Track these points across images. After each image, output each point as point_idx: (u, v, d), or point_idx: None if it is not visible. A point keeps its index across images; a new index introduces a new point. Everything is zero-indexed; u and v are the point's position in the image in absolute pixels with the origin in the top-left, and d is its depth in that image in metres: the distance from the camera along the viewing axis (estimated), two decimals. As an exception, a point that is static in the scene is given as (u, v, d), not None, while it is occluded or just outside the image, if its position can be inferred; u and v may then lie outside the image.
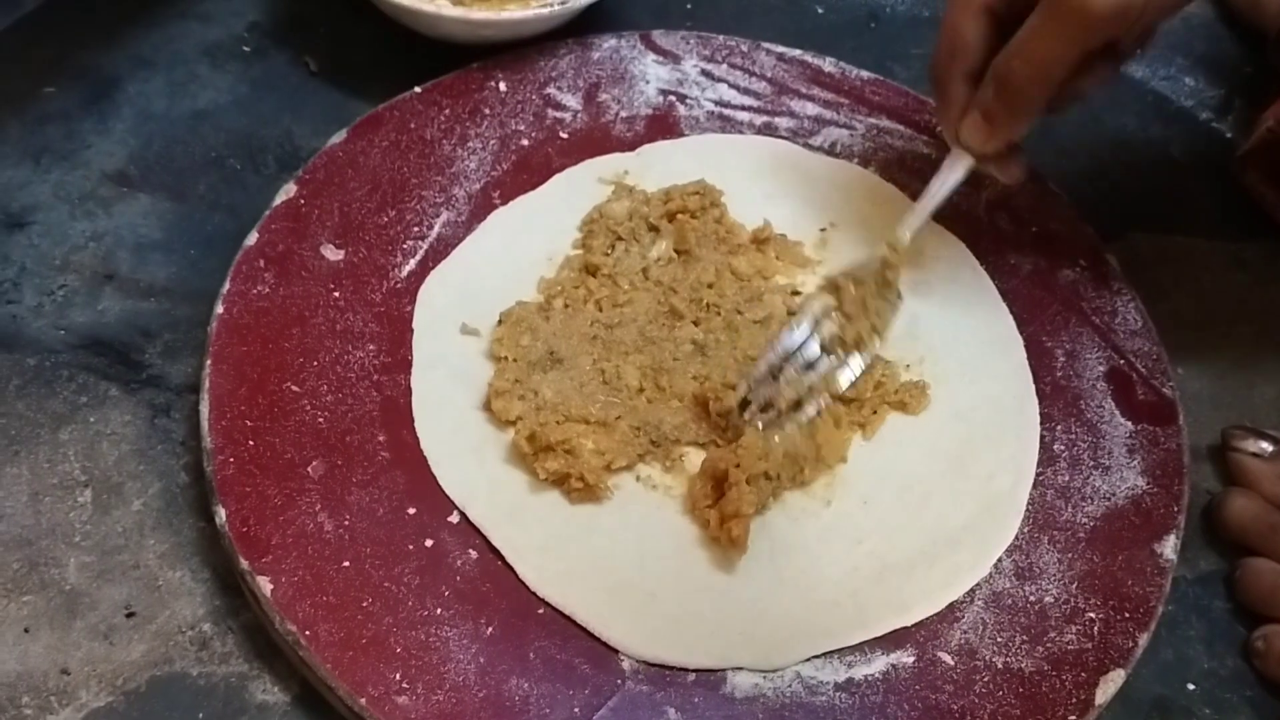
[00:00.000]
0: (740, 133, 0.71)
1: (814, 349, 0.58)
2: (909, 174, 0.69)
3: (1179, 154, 0.77)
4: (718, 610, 0.53)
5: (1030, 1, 0.53)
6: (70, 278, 0.62)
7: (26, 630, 0.52)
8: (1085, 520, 0.57)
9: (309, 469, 0.54)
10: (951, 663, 0.53)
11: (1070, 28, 0.52)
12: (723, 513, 0.54)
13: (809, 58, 0.74)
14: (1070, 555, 0.56)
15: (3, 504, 0.55)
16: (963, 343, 0.63)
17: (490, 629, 0.51)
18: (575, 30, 0.73)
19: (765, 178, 0.68)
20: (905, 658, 0.53)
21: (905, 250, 0.61)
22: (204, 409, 0.55)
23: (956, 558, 0.55)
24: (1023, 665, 0.53)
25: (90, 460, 0.57)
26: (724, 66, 0.73)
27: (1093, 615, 0.54)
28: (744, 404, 0.57)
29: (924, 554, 0.55)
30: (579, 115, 0.70)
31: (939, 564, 0.55)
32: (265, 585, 0.51)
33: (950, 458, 0.59)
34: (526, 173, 0.67)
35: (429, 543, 0.53)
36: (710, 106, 0.71)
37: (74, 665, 0.51)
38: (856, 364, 0.58)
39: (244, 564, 0.51)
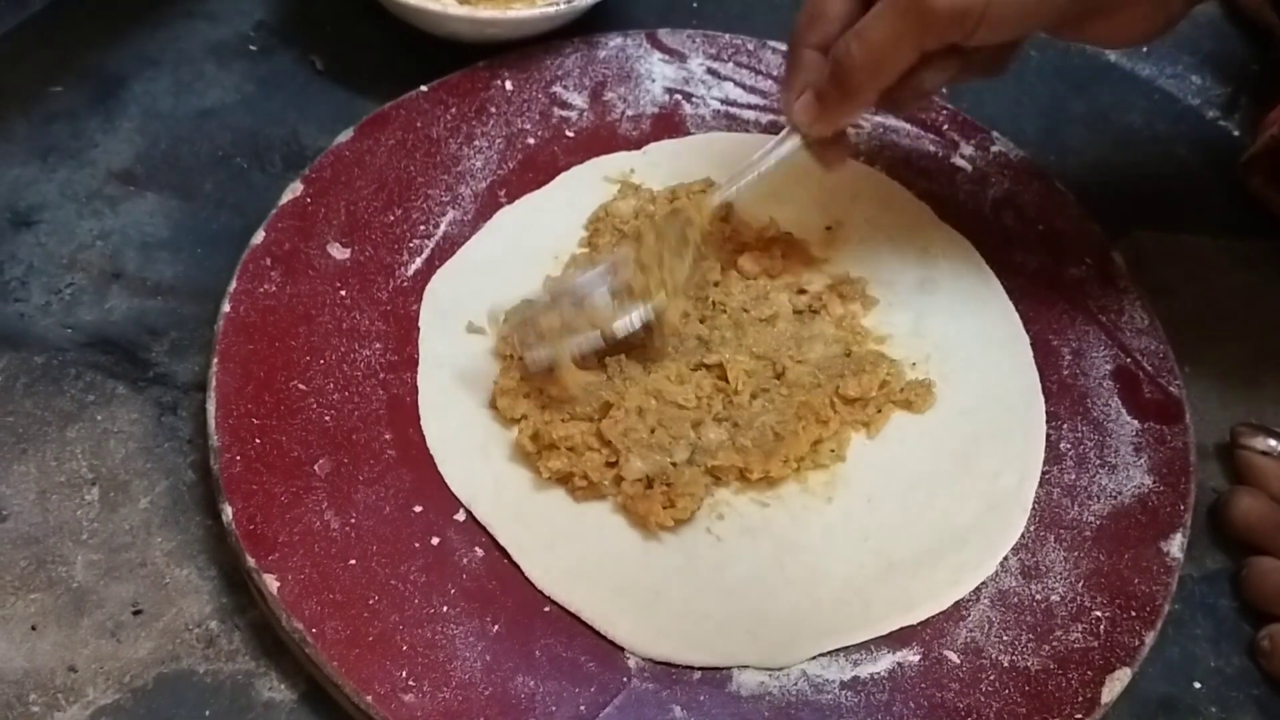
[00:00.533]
0: (746, 131, 0.71)
1: (601, 291, 0.57)
2: (914, 172, 0.69)
3: (1185, 152, 0.76)
4: (723, 608, 0.53)
5: None
6: (77, 276, 0.63)
7: (34, 628, 0.52)
8: (1091, 519, 0.57)
9: (315, 467, 0.55)
10: (957, 661, 0.53)
11: (908, 22, 0.51)
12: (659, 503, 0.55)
13: (815, 56, 0.74)
14: (1076, 554, 0.56)
15: (10, 502, 0.55)
16: (968, 341, 0.62)
17: (496, 627, 0.51)
18: (581, 29, 0.73)
19: (770, 176, 0.68)
20: (911, 656, 0.53)
21: (709, 213, 0.60)
22: (211, 407, 0.55)
23: (962, 556, 0.55)
24: (1029, 664, 0.53)
25: (97, 458, 0.57)
26: (730, 65, 0.73)
27: (1099, 614, 0.54)
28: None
29: (930, 552, 0.55)
30: (585, 114, 0.70)
31: (945, 562, 0.55)
32: (272, 583, 0.51)
33: (956, 456, 0.59)
34: (532, 171, 0.67)
35: (435, 541, 0.54)
36: (716, 105, 0.71)
37: (81, 663, 0.51)
38: (637, 315, 0.57)
39: (250, 562, 0.51)
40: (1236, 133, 0.78)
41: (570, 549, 0.54)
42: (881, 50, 0.52)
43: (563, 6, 0.70)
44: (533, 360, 0.56)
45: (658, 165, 0.68)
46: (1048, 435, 0.60)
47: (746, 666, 0.52)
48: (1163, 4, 0.54)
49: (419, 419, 0.57)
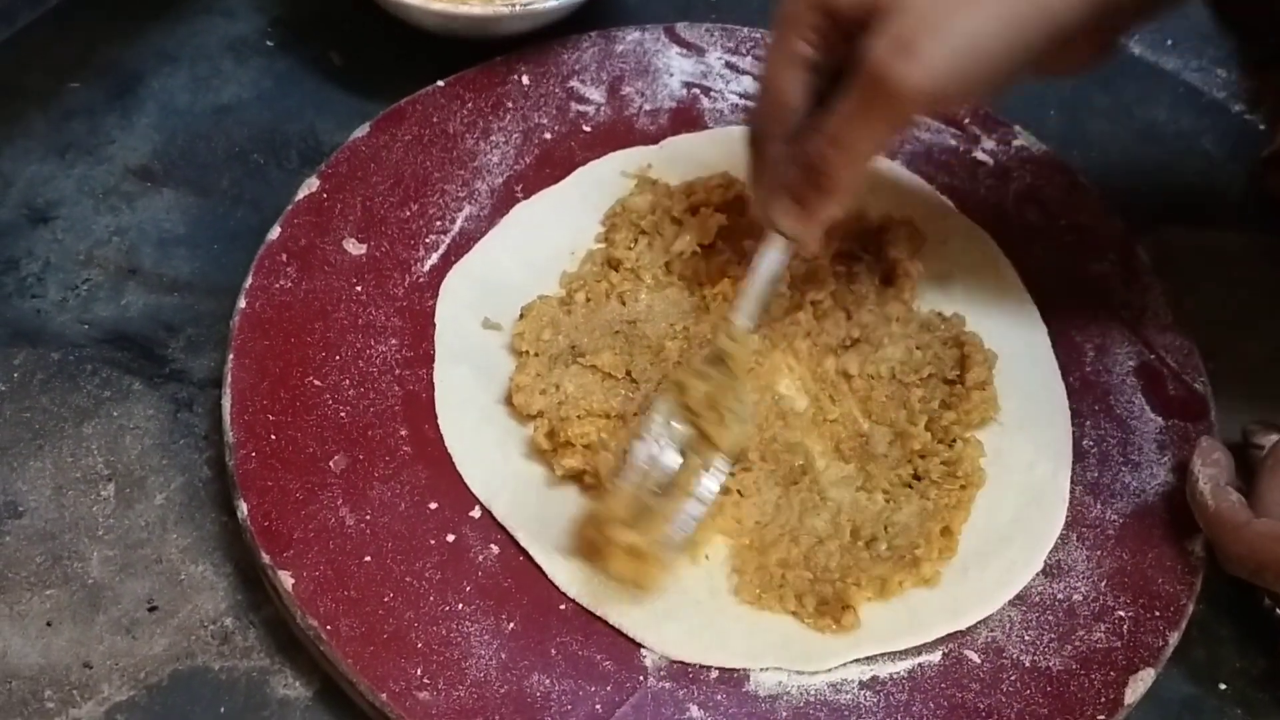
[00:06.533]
0: (764, 125, 0.70)
1: (670, 457, 0.53)
2: (934, 166, 0.68)
3: (1211, 146, 0.75)
4: (756, 612, 0.53)
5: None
6: (94, 272, 0.62)
7: (49, 624, 0.52)
8: (1115, 517, 0.56)
9: (331, 463, 0.54)
10: (978, 661, 0.52)
11: (882, 114, 0.48)
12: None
13: (834, 50, 0.73)
14: (1100, 553, 0.55)
15: (27, 498, 0.55)
16: (986, 333, 0.61)
17: (511, 624, 0.51)
18: (598, 23, 0.72)
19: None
20: (931, 656, 0.52)
21: (744, 338, 0.56)
22: (226, 403, 0.55)
23: (1009, 555, 0.55)
24: (1050, 664, 0.52)
25: (113, 454, 0.57)
26: (748, 59, 0.72)
27: (1122, 613, 0.53)
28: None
29: (977, 554, 0.55)
30: (602, 108, 0.69)
31: (992, 563, 0.54)
32: (286, 580, 0.50)
33: (989, 449, 0.58)
34: (549, 166, 0.66)
35: (450, 538, 0.53)
36: (734, 99, 0.71)
37: (96, 659, 0.51)
38: (721, 467, 0.53)
39: (265, 558, 0.51)
40: (1263, 127, 0.76)
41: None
42: (857, 147, 0.50)
43: (518, 8, 0.68)
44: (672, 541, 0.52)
45: (675, 160, 0.67)
46: (1070, 432, 0.59)
47: (780, 668, 0.51)
48: (1098, 39, 0.52)
49: (435, 415, 0.57)
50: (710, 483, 0.53)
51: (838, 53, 0.50)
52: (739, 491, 0.55)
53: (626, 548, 0.51)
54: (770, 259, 0.55)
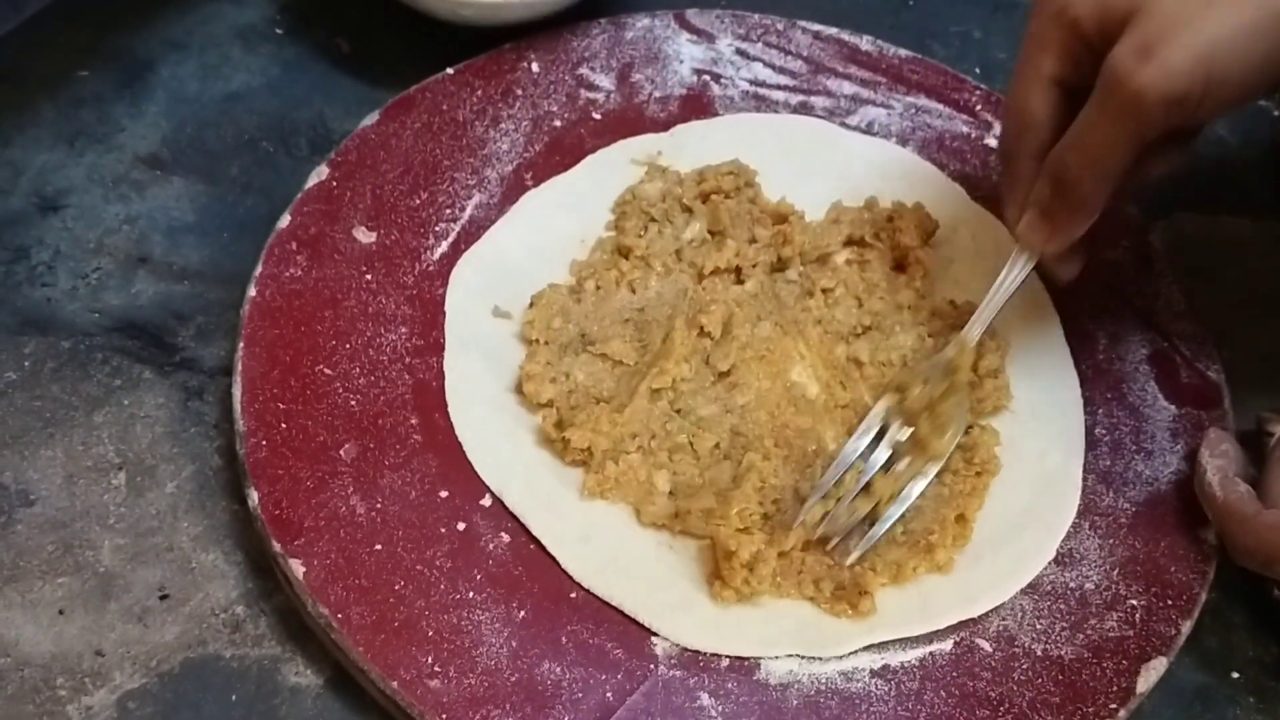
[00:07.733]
0: (775, 112, 0.70)
1: (881, 453, 0.56)
2: (947, 153, 0.68)
3: (1226, 132, 0.75)
4: (771, 600, 0.53)
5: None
6: (104, 261, 0.62)
7: (61, 612, 0.52)
8: (1127, 505, 0.56)
9: (341, 452, 0.54)
10: (989, 650, 0.52)
11: (1124, 120, 0.48)
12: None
13: (846, 36, 0.73)
14: (1112, 541, 0.55)
15: (38, 486, 0.55)
16: (997, 322, 0.61)
17: (522, 613, 0.51)
18: (608, 10, 0.72)
19: (800, 158, 0.67)
20: (942, 645, 0.52)
21: (971, 350, 0.58)
22: (236, 392, 0.55)
23: (1021, 543, 0.55)
24: (1062, 653, 0.52)
25: (124, 443, 0.57)
26: (759, 45, 0.72)
27: (1135, 602, 0.53)
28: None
29: (989, 542, 0.55)
30: (612, 95, 0.69)
31: (1004, 551, 0.54)
32: (297, 568, 0.50)
33: (1000, 437, 0.58)
34: (559, 154, 0.66)
35: (461, 526, 0.53)
36: (745, 86, 0.70)
37: (108, 647, 0.51)
38: (928, 472, 0.55)
39: (276, 547, 0.51)
40: (1277, 113, 0.76)
41: (604, 539, 0.54)
42: (1102, 155, 0.50)
43: None
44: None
45: (685, 147, 0.67)
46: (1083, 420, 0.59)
47: (793, 655, 0.51)
48: None
49: (445, 404, 0.57)
50: (918, 485, 0.55)
51: (1085, 70, 0.51)
52: None
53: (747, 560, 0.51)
54: (1013, 277, 0.56)
